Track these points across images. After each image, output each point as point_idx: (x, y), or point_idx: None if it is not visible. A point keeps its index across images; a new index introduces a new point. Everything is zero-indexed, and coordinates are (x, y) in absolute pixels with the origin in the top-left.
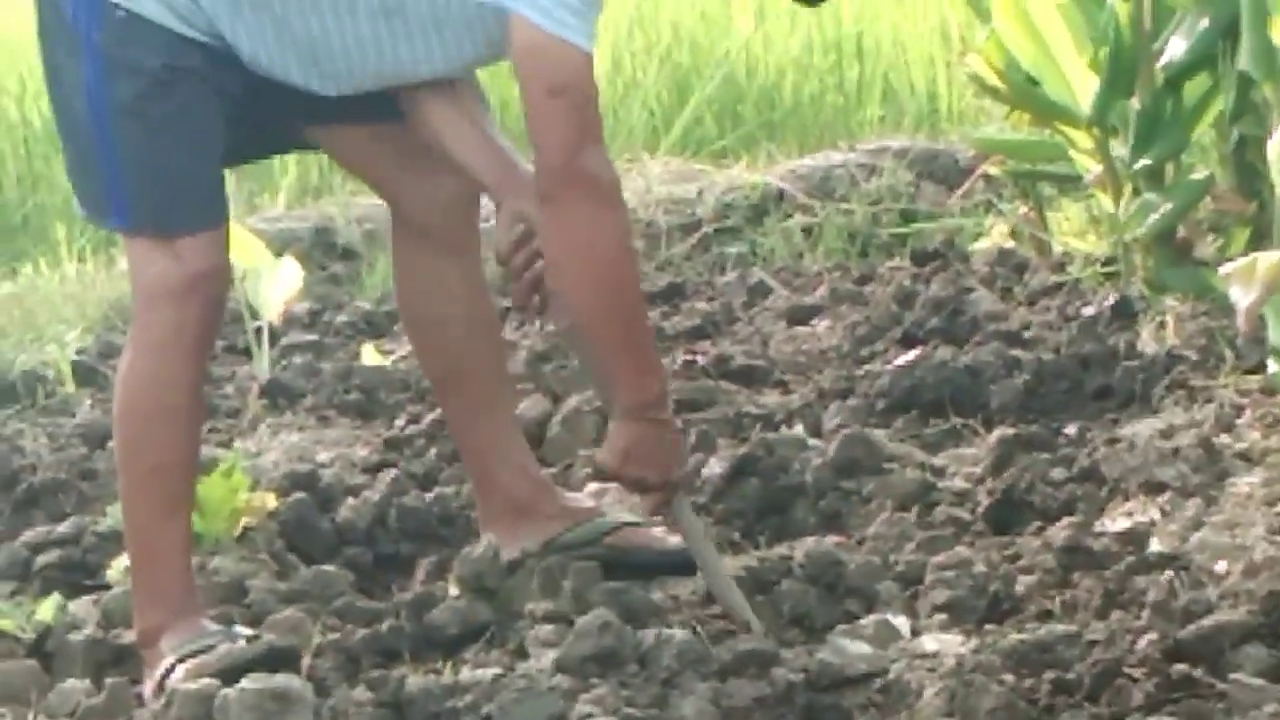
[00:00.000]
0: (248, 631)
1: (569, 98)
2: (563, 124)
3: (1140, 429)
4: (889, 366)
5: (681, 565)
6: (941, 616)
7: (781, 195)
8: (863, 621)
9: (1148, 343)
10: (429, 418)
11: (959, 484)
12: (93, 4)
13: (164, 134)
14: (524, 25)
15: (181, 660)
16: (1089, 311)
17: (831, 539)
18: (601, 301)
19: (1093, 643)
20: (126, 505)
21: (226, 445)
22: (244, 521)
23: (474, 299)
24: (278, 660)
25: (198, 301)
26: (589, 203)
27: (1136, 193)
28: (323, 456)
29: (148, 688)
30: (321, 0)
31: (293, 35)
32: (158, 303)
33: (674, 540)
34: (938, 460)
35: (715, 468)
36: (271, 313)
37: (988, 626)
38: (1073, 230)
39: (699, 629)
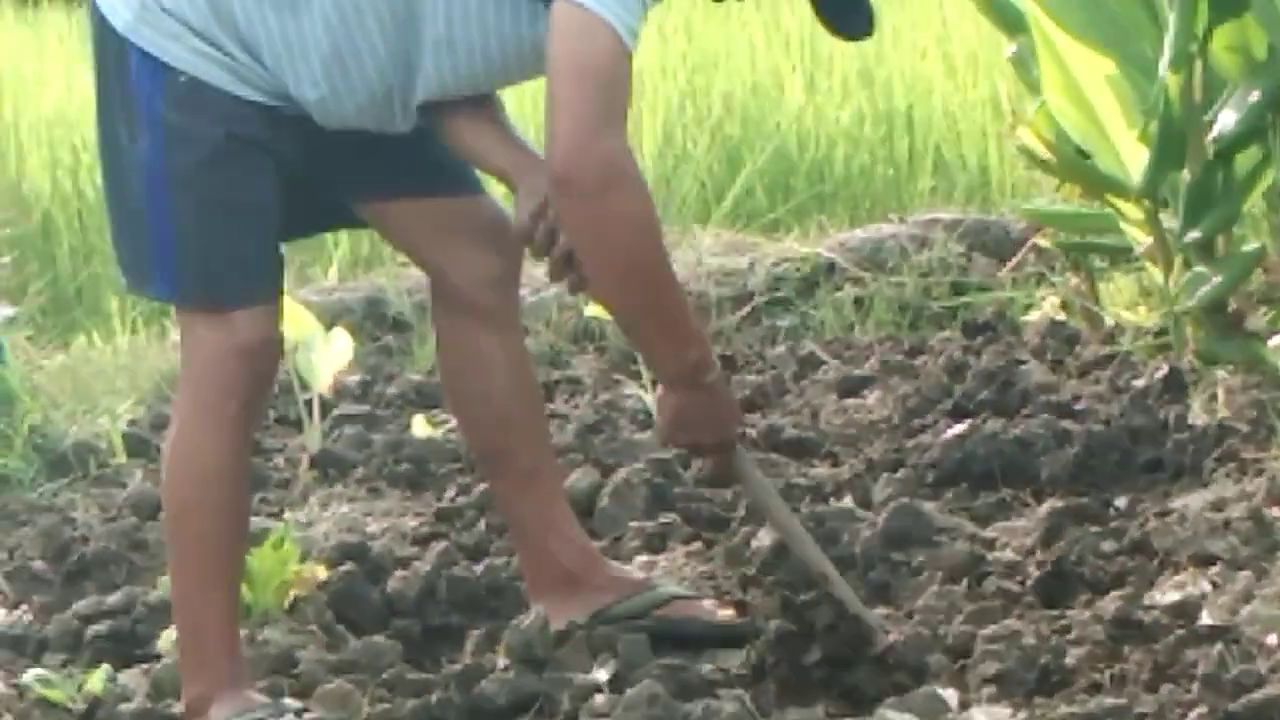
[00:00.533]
0: (296, 704)
1: (597, 79)
2: (584, 104)
3: (1191, 501)
4: (939, 438)
5: (732, 638)
6: (991, 689)
7: (832, 267)
8: (912, 694)
9: (1198, 415)
10: (479, 489)
11: (1009, 556)
12: (156, 70)
13: (220, 204)
14: (566, 7)
15: None
16: (1140, 383)
17: (880, 610)
18: (622, 282)
19: (1143, 715)
20: (174, 574)
21: (277, 516)
22: (294, 593)
23: (516, 372)
24: None
25: (246, 374)
26: (602, 182)
27: (1187, 265)
28: (373, 528)
29: None
30: (388, 30)
31: (360, 69)
32: (205, 373)
33: (724, 614)
34: (988, 532)
35: (764, 539)
36: (322, 384)
37: (1037, 699)
38: (1124, 302)
39: (748, 701)
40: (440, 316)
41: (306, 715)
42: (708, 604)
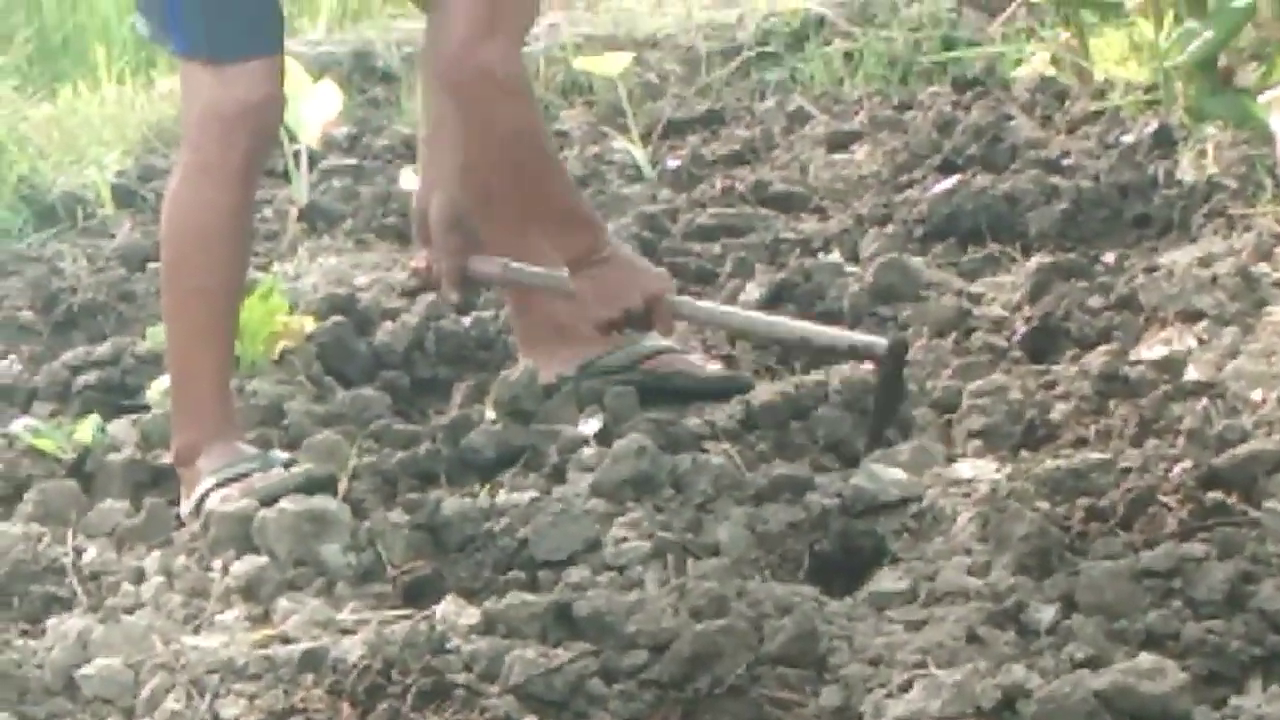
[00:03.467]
0: (285, 456)
1: None
2: (473, 13)
3: (1178, 257)
4: (927, 193)
5: (720, 391)
6: (976, 443)
7: (822, 21)
8: (898, 448)
9: (1187, 171)
10: None
11: (996, 311)
12: None
13: None
14: None
15: (219, 485)
16: (1129, 139)
17: (867, 366)
18: (501, 180)
19: (1127, 470)
20: (168, 325)
21: (265, 268)
22: (282, 344)
23: None
24: (315, 488)
25: (248, 128)
26: (483, 91)
27: (1178, 20)
28: (361, 280)
29: (184, 507)
30: None
31: None
32: (208, 127)
33: (713, 367)
34: (975, 287)
35: (753, 293)
36: (310, 136)
37: (1023, 453)
38: (1114, 57)
39: (735, 455)
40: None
41: (294, 467)
42: (695, 357)
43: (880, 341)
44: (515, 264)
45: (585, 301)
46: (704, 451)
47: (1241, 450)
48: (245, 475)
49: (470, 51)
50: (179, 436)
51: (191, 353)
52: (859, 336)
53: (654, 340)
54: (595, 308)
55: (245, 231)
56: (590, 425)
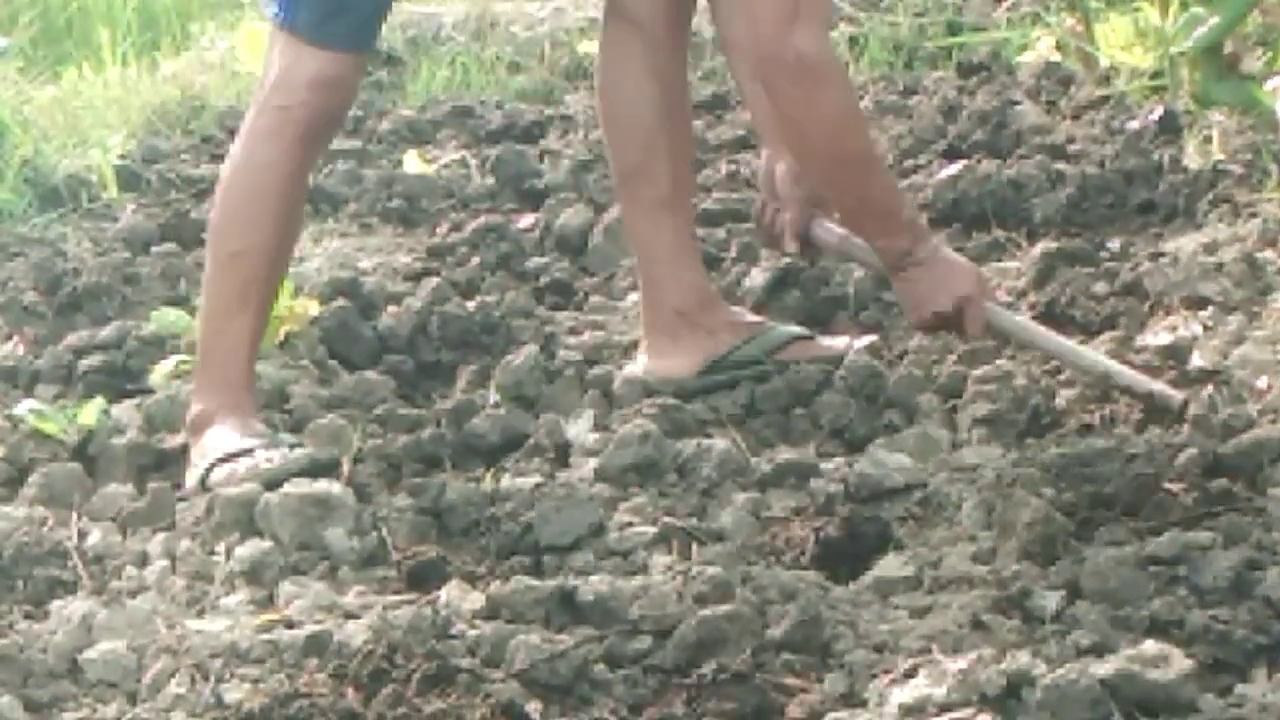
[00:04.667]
0: (291, 439)
1: None
2: (775, 3)
3: (1183, 243)
4: (933, 179)
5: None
6: (981, 429)
7: None
8: (903, 433)
9: (1192, 157)
10: (472, 225)
11: (1001, 297)
12: None
13: None
14: None
15: (224, 460)
16: (1134, 125)
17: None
18: (826, 173)
19: (1132, 457)
20: (205, 290)
21: None
22: (286, 328)
23: (672, 100)
24: (319, 471)
25: (315, 104)
26: (798, 83)
27: (1184, 6)
28: (365, 264)
29: (189, 478)
30: None
31: None
32: (278, 93)
33: (840, 342)
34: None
35: (757, 279)
36: None
37: (1028, 440)
38: (1119, 43)
39: (739, 440)
40: (609, 30)
41: (298, 450)
42: (825, 341)
43: (1177, 396)
44: (856, 239)
45: (909, 303)
46: (708, 437)
47: (1247, 437)
48: (249, 453)
49: (781, 40)
50: (198, 402)
51: (223, 318)
52: (1159, 386)
53: (783, 329)
54: (908, 312)
55: (294, 200)
56: (594, 411)
